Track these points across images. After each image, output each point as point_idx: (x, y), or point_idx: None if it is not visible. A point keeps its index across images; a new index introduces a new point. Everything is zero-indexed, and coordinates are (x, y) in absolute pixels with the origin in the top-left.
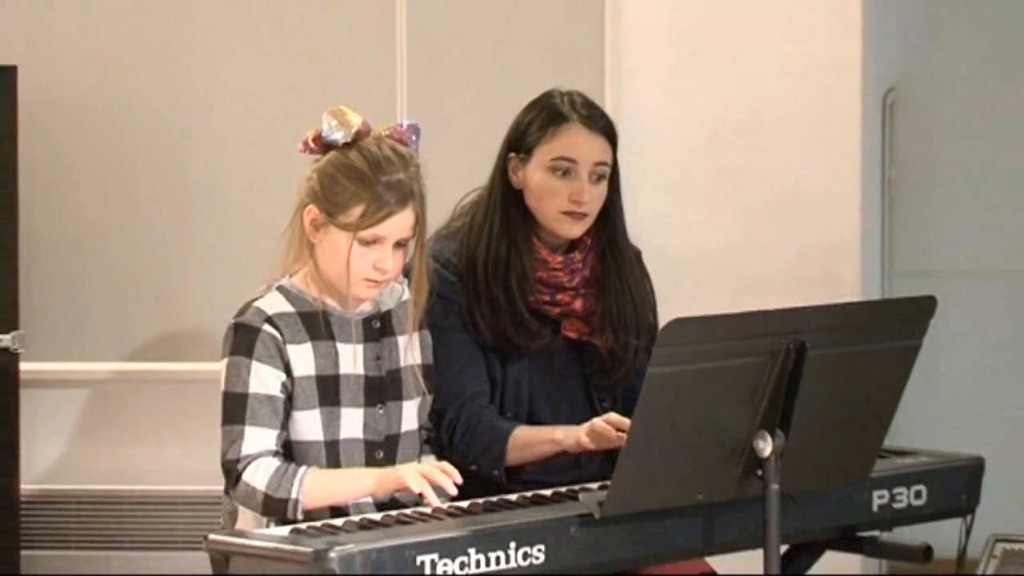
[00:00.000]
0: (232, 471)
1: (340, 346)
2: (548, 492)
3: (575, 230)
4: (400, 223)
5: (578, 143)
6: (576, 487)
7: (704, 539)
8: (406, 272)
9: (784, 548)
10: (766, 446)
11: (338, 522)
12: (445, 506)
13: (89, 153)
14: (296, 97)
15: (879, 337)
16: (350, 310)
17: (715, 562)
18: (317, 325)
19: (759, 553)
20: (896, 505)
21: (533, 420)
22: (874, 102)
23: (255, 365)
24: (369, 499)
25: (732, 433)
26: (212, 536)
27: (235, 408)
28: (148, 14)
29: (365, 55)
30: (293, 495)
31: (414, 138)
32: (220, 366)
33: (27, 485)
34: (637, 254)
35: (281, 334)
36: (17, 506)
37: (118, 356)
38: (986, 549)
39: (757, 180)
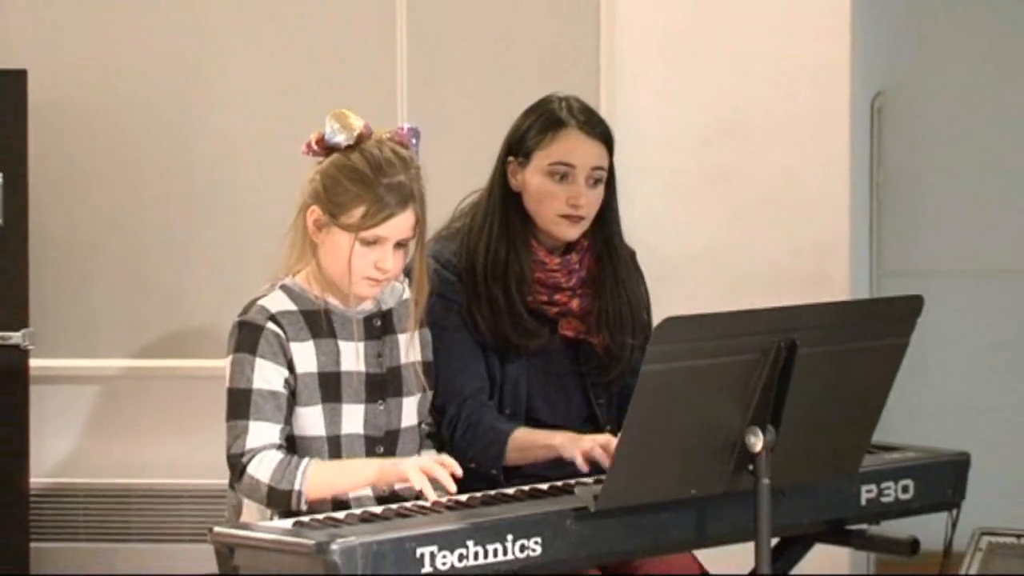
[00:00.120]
0: (237, 464)
1: (342, 344)
2: (545, 486)
3: (572, 232)
4: (401, 224)
5: (576, 148)
6: (572, 481)
7: (697, 532)
8: (407, 272)
9: (775, 541)
10: (757, 441)
11: (340, 515)
12: (444, 499)
13: (98, 154)
14: (299, 101)
15: (868, 335)
16: (352, 308)
17: (707, 554)
18: (319, 323)
19: (750, 546)
20: (884, 499)
21: (531, 417)
22: (863, 106)
23: (259, 362)
24: (370, 493)
25: (724, 429)
26: (217, 529)
27: (239, 403)
28: (155, 19)
29: (367, 60)
30: (296, 487)
31: (414, 141)
32: (225, 363)
33: (37, 479)
34: (632, 254)
35: (284, 331)
36: (27, 499)
37: (126, 353)
38: (972, 542)
39: (748, 181)
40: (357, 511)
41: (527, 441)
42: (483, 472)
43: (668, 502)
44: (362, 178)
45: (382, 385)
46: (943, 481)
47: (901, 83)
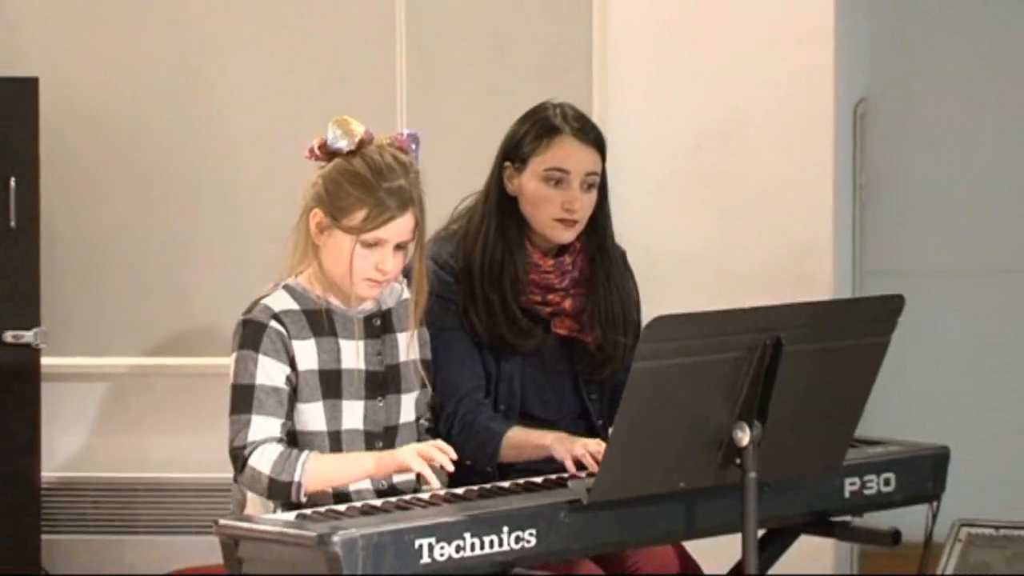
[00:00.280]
0: (239, 457)
1: (342, 342)
2: (539, 479)
3: (567, 236)
4: (401, 227)
5: (570, 155)
6: (565, 475)
7: (686, 524)
8: (406, 273)
9: (761, 532)
10: (744, 436)
11: (341, 508)
12: (442, 493)
13: (106, 159)
14: (302, 108)
15: (851, 333)
16: (352, 308)
17: (696, 545)
18: (320, 322)
19: (738, 537)
20: (867, 492)
21: (525, 412)
22: (846, 112)
23: (262, 359)
24: (370, 486)
25: (712, 424)
26: (222, 521)
27: (242, 398)
28: (160, 29)
29: (367, 69)
30: (296, 478)
31: (413, 146)
32: (229, 360)
33: (48, 473)
34: (622, 255)
35: (287, 330)
36: (38, 493)
37: (134, 351)
38: (951, 533)
39: (736, 184)
40: (358, 504)
41: (521, 440)
42: (479, 469)
43: (658, 495)
44: (363, 182)
45: (381, 382)
46: (923, 474)
47: (883, 90)
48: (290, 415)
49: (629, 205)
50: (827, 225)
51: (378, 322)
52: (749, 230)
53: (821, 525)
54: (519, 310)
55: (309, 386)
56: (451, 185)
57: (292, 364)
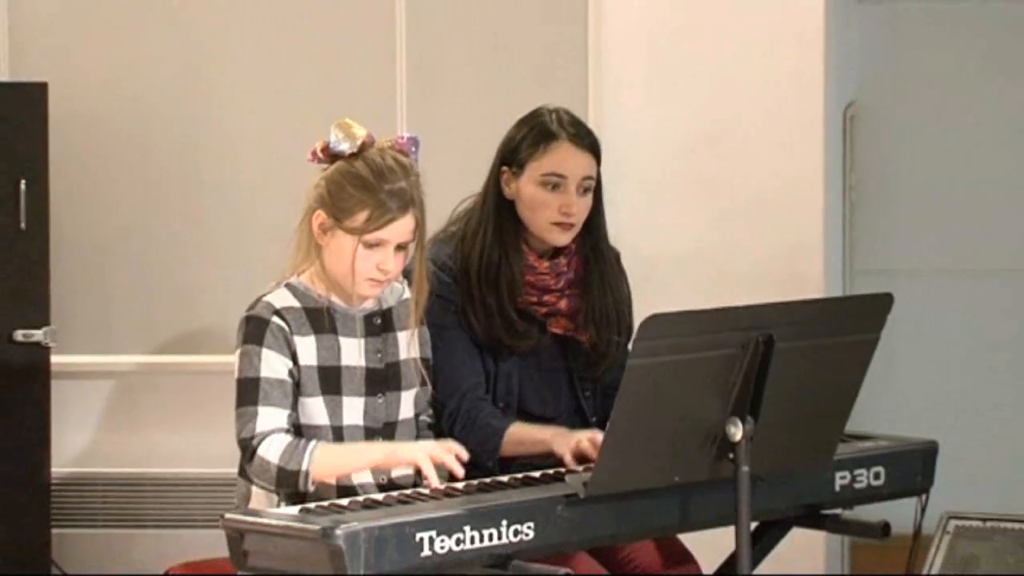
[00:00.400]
0: (247, 447)
1: (343, 340)
2: (537, 474)
3: (564, 238)
4: (402, 228)
5: (567, 160)
6: (563, 469)
7: (680, 517)
8: (406, 273)
9: (754, 525)
10: (737, 431)
11: (343, 502)
12: (442, 487)
13: (113, 162)
14: (304, 112)
15: (841, 331)
16: (354, 307)
17: (690, 538)
18: (321, 320)
19: (731, 530)
20: (857, 485)
21: (522, 409)
22: (835, 115)
23: (265, 352)
24: (372, 480)
25: (706, 419)
26: (228, 515)
27: (248, 391)
28: (166, 36)
29: (368, 74)
30: (304, 467)
31: (413, 149)
32: (233, 357)
33: (58, 469)
34: (616, 256)
35: (288, 325)
36: (48, 488)
37: (140, 350)
38: (940, 525)
39: (728, 186)
40: (360, 498)
41: (521, 436)
42: (479, 464)
43: (653, 489)
44: (365, 184)
45: (381, 379)
46: (912, 468)
47: (871, 94)
48: (295, 407)
49: (625, 207)
50: (818, 226)
51: (379, 320)
52: (742, 231)
53: (812, 518)
54: (515, 312)
55: (311, 381)
56: (450, 186)
57: (294, 359)
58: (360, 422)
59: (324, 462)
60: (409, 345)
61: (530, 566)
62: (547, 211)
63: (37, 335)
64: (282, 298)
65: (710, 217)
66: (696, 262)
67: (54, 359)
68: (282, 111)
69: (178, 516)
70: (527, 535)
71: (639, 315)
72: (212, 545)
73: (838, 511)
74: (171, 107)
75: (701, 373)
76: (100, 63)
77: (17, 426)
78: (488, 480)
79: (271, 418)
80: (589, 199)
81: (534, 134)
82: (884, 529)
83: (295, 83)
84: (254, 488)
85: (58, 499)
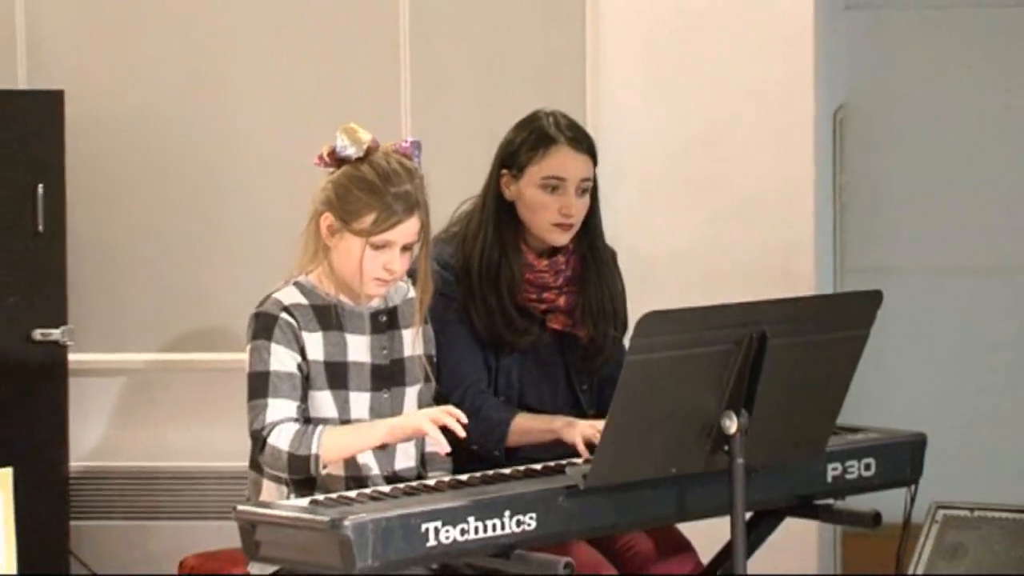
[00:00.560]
0: (259, 438)
1: (349, 336)
2: (538, 466)
3: (564, 239)
4: (407, 229)
5: (566, 163)
6: (563, 462)
7: (677, 507)
8: (410, 272)
9: (749, 515)
10: (732, 424)
11: (351, 494)
12: (447, 480)
13: (128, 165)
14: (312, 117)
15: (832, 327)
16: (361, 305)
17: (687, 527)
18: (328, 317)
19: (726, 520)
20: (848, 476)
21: (522, 402)
22: (826, 117)
23: (274, 347)
24: (379, 473)
25: (701, 413)
26: (240, 507)
27: (259, 385)
28: (178, 43)
29: (373, 80)
30: (313, 451)
31: (417, 153)
32: (244, 353)
33: (75, 463)
34: (613, 255)
35: (296, 321)
36: (67, 482)
37: (155, 348)
38: (928, 515)
39: (722, 187)
40: (368, 490)
41: (528, 426)
42: (485, 455)
43: (651, 480)
44: (372, 188)
45: (387, 375)
46: (902, 460)
47: (861, 97)
48: (305, 399)
49: (623, 208)
50: (809, 225)
51: (385, 318)
52: (735, 231)
53: (805, 508)
54: (515, 309)
55: (319, 376)
56: (452, 188)
57: (302, 353)
58: (366, 416)
59: (332, 444)
60: (414, 342)
61: (532, 555)
62: (547, 213)
63: (55, 334)
64: (290, 295)
65: (705, 217)
66: (691, 260)
67: (71, 357)
68: (291, 116)
69: (192, 508)
70: (529, 525)
71: (637, 313)
72: (225, 536)
73: (830, 501)
74: (183, 112)
75: (697, 368)
76: (114, 70)
77: (36, 422)
78: (491, 472)
79: (281, 409)
80: (587, 200)
81: (533, 138)
82: (875, 519)
83: (304, 88)
84: (265, 480)
85: (76, 492)
